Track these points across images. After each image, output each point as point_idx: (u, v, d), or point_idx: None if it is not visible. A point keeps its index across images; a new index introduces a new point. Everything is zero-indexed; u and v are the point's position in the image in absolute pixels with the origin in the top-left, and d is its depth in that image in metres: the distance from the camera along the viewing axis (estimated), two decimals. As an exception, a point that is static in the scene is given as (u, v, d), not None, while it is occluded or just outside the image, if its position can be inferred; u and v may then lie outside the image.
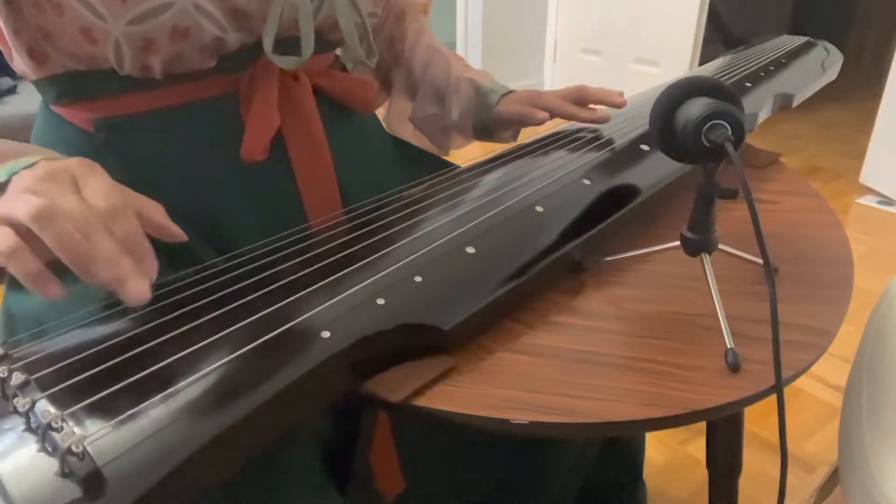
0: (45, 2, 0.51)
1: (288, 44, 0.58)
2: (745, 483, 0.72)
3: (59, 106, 0.58)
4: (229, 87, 0.58)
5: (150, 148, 0.57)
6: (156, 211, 0.45)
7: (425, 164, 0.78)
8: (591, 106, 0.77)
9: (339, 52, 0.70)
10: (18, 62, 0.58)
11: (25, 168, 0.42)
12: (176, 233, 0.46)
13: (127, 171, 0.56)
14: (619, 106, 0.77)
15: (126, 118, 0.56)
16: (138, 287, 0.40)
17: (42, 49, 0.55)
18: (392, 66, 0.84)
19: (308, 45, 0.58)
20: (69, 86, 0.57)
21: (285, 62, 0.57)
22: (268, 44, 0.56)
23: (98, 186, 0.41)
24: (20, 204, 0.39)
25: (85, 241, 0.39)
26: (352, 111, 0.68)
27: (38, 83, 0.59)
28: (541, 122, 0.76)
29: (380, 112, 0.86)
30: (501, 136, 0.84)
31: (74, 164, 0.43)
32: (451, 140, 0.86)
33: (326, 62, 0.67)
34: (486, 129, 0.82)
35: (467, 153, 0.88)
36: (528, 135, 0.83)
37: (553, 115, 0.77)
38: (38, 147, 0.48)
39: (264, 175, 0.60)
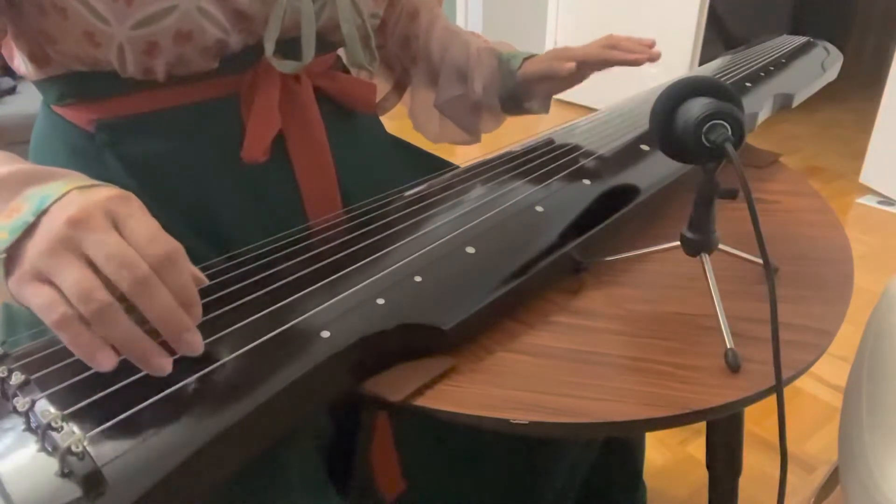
0: (48, 5, 0.51)
1: (289, 45, 0.58)
2: (745, 483, 0.72)
3: (60, 107, 0.58)
4: (231, 89, 0.58)
5: (151, 149, 0.57)
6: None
7: (426, 165, 0.78)
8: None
9: (340, 52, 0.70)
10: (19, 63, 0.58)
11: (55, 202, 0.39)
12: (200, 279, 0.43)
13: (128, 172, 0.56)
14: (653, 58, 0.72)
15: (127, 119, 0.56)
16: (194, 339, 0.39)
17: (44, 51, 0.55)
18: (409, 65, 0.83)
19: (309, 49, 0.58)
20: (70, 87, 0.57)
21: (286, 66, 0.57)
22: (269, 48, 0.56)
23: (141, 229, 0.38)
24: (67, 270, 0.36)
25: (148, 340, 0.37)
26: (353, 112, 0.68)
27: (39, 84, 0.59)
28: (567, 74, 0.72)
29: (390, 115, 0.85)
30: (531, 106, 0.81)
31: (108, 198, 0.39)
32: (481, 120, 0.84)
33: (327, 63, 0.67)
34: (513, 98, 0.78)
35: (467, 153, 0.88)
36: (528, 134, 0.83)
37: (585, 63, 0.72)
38: (60, 169, 0.44)
39: (265, 176, 0.60)
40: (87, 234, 0.37)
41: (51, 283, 0.37)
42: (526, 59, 0.76)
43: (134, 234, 0.38)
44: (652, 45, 0.73)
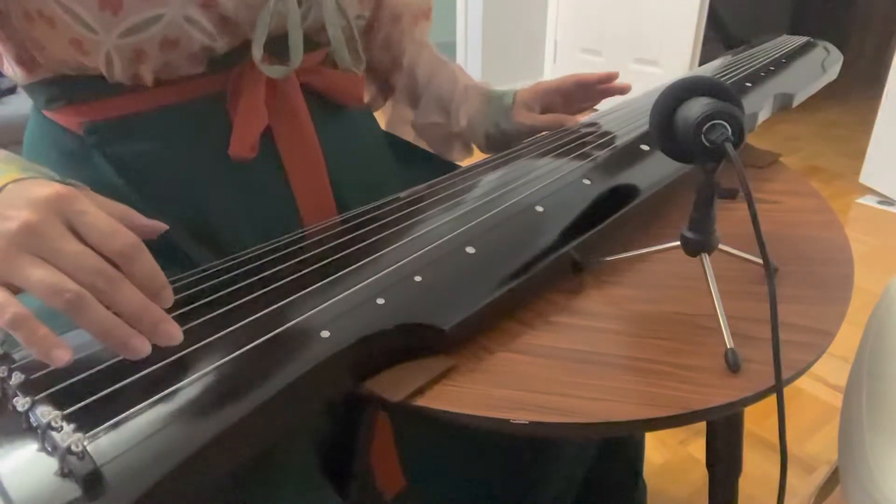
0: (35, 14, 0.51)
1: (275, 46, 0.58)
2: (745, 483, 0.72)
3: (49, 111, 0.58)
4: (217, 87, 0.58)
5: (140, 149, 0.57)
6: (130, 215, 0.43)
7: (419, 161, 0.78)
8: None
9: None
10: (8, 67, 0.58)
11: None
12: (155, 225, 0.45)
13: (118, 173, 0.56)
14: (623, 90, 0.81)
15: (116, 121, 0.56)
16: (170, 328, 0.39)
17: (31, 56, 0.55)
18: (391, 69, 0.83)
19: (297, 53, 0.58)
20: (59, 91, 0.57)
21: (274, 71, 0.57)
22: (257, 54, 0.56)
23: (98, 224, 0.38)
24: (29, 271, 0.36)
25: (124, 326, 0.37)
26: (343, 107, 0.68)
27: (28, 88, 0.59)
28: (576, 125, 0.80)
29: (379, 115, 0.85)
30: (518, 144, 0.83)
31: (57, 197, 0.38)
32: (452, 150, 0.86)
33: (315, 60, 0.67)
34: (503, 135, 0.80)
35: (467, 153, 0.88)
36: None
37: (575, 97, 0.81)
38: None
39: (255, 173, 0.60)
40: (43, 241, 0.37)
41: (2, 285, 0.37)
42: (515, 94, 0.80)
43: (92, 232, 0.38)
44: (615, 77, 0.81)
